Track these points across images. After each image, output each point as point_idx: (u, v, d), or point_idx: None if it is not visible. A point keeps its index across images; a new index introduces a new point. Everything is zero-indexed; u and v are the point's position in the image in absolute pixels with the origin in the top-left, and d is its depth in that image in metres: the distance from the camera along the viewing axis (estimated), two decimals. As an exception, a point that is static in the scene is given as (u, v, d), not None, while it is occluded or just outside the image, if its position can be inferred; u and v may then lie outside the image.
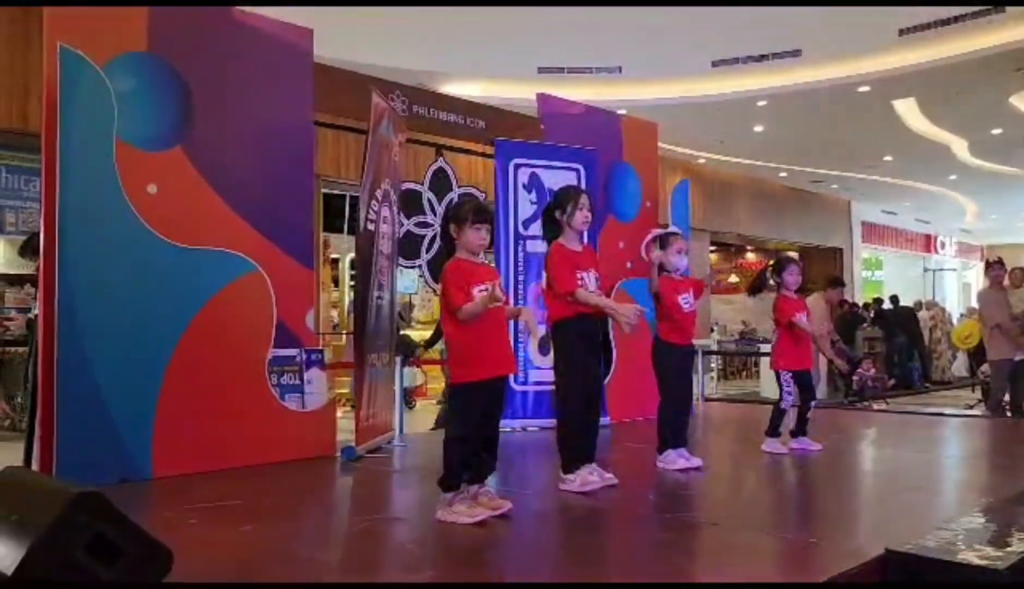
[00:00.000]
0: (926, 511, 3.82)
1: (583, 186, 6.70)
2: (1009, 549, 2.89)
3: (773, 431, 5.27)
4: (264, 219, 4.94)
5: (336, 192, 11.81)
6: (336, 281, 14.42)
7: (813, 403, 5.43)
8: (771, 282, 5.46)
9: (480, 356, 3.45)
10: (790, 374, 5.29)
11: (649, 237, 4.93)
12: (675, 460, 4.63)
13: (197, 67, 4.70)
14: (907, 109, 12.92)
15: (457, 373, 3.50)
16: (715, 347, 15.46)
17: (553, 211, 4.22)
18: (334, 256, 14.07)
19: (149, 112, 4.51)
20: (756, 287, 5.57)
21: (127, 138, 4.37)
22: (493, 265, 4.05)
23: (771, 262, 5.60)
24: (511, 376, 6.13)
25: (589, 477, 4.01)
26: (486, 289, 3.39)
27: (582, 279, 4.06)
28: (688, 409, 4.83)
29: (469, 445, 3.46)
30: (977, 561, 2.75)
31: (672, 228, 5.12)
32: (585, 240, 4.43)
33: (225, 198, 4.76)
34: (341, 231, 13.15)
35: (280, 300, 4.94)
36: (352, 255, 13.77)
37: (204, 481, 4.25)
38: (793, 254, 19.65)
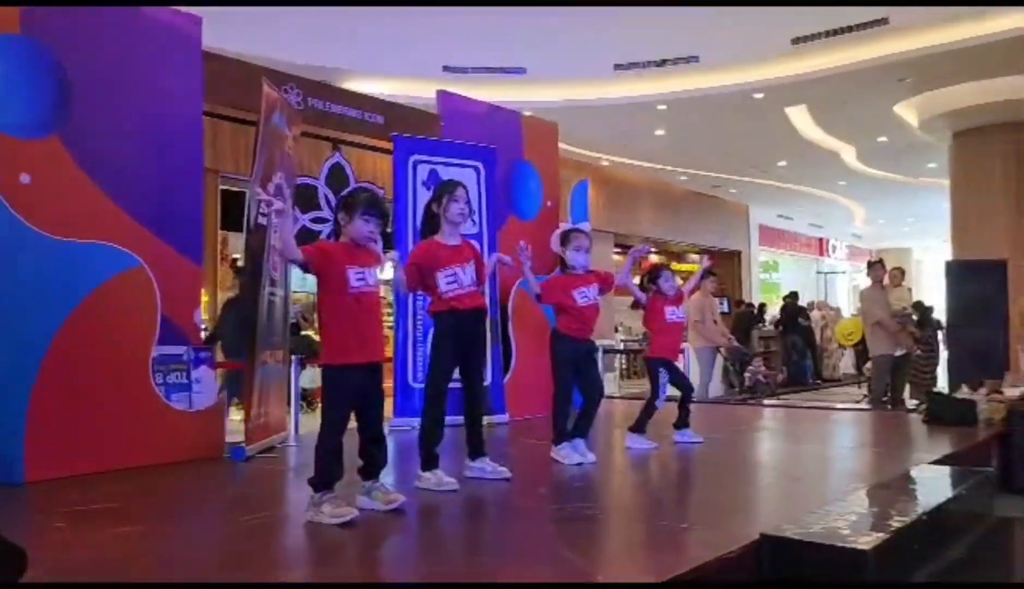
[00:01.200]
0: (802, 498, 3.96)
1: (482, 184, 6.72)
2: (875, 532, 3.03)
3: (640, 427, 5.28)
4: (148, 212, 4.77)
5: (236, 188, 11.51)
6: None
7: (692, 394, 5.57)
8: (650, 289, 5.59)
9: (353, 340, 3.41)
10: (664, 369, 5.40)
11: (556, 233, 5.02)
12: (570, 454, 4.67)
13: (76, 51, 4.51)
14: (799, 116, 13.42)
15: (327, 355, 3.45)
16: (619, 347, 15.70)
17: (430, 206, 4.22)
18: (235, 255, 13.70)
19: (22, 97, 4.29)
20: (635, 305, 5.74)
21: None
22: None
23: (645, 273, 5.78)
24: (406, 374, 6.24)
25: (445, 478, 3.96)
26: (361, 273, 3.41)
27: (454, 275, 4.07)
28: (598, 401, 4.86)
29: (337, 436, 3.39)
30: (845, 543, 2.87)
31: (580, 225, 5.18)
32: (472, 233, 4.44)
33: (106, 190, 4.58)
34: (241, 230, 12.84)
35: (165, 296, 4.76)
36: (252, 254, 13.48)
37: (82, 484, 4.07)
38: (691, 255, 20.22)
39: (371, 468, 3.54)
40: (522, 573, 2.70)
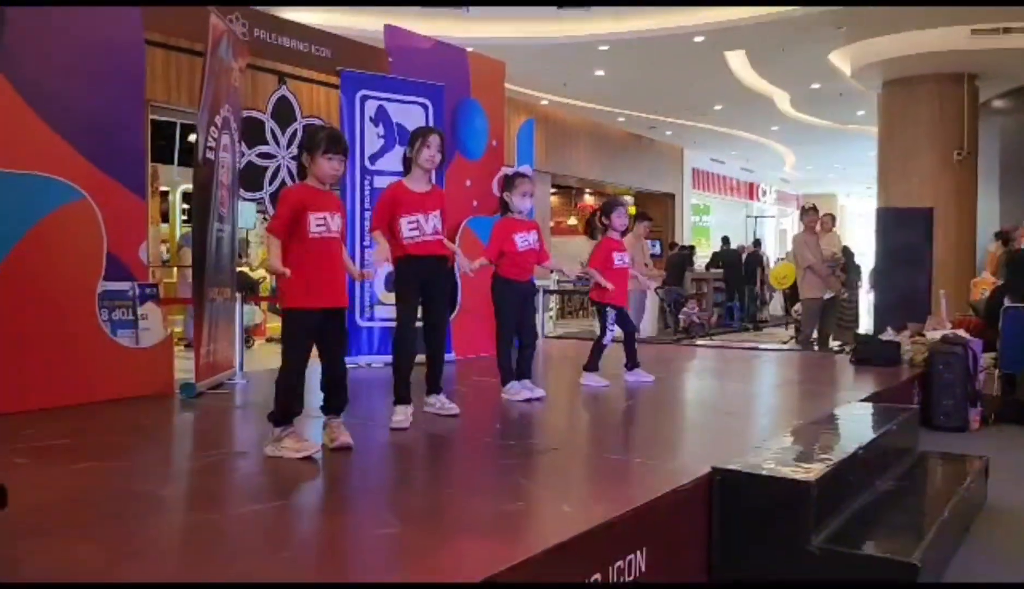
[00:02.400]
0: (745, 434, 4.17)
1: (430, 121, 6.67)
2: (817, 464, 3.22)
3: (592, 365, 5.44)
4: (91, 144, 4.61)
5: (166, 119, 11.14)
6: (165, 216, 13.65)
7: (635, 334, 5.72)
8: (601, 224, 5.66)
9: (311, 285, 3.42)
10: (613, 310, 5.52)
11: (499, 176, 5.01)
12: (519, 391, 4.79)
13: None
14: (738, 61, 13.56)
15: (287, 298, 3.47)
16: (554, 287, 15.88)
17: (406, 149, 4.23)
18: (163, 188, 13.31)
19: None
20: (591, 230, 5.79)
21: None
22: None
23: (599, 206, 5.81)
24: (354, 313, 6.25)
25: (408, 413, 4.05)
26: (322, 218, 3.41)
27: (416, 222, 4.09)
28: (533, 343, 4.98)
29: (296, 375, 3.44)
30: (792, 475, 3.05)
31: (522, 168, 5.21)
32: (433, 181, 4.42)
33: (47, 120, 4.40)
34: (171, 162, 12.46)
35: (110, 231, 4.65)
36: (184, 187, 13.12)
37: (31, 420, 4.01)
38: (625, 197, 20.41)
39: (328, 405, 3.59)
40: (488, 505, 2.80)
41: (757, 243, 18.79)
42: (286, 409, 3.42)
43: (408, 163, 4.21)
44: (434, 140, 4.15)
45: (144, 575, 2.13)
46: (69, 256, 4.48)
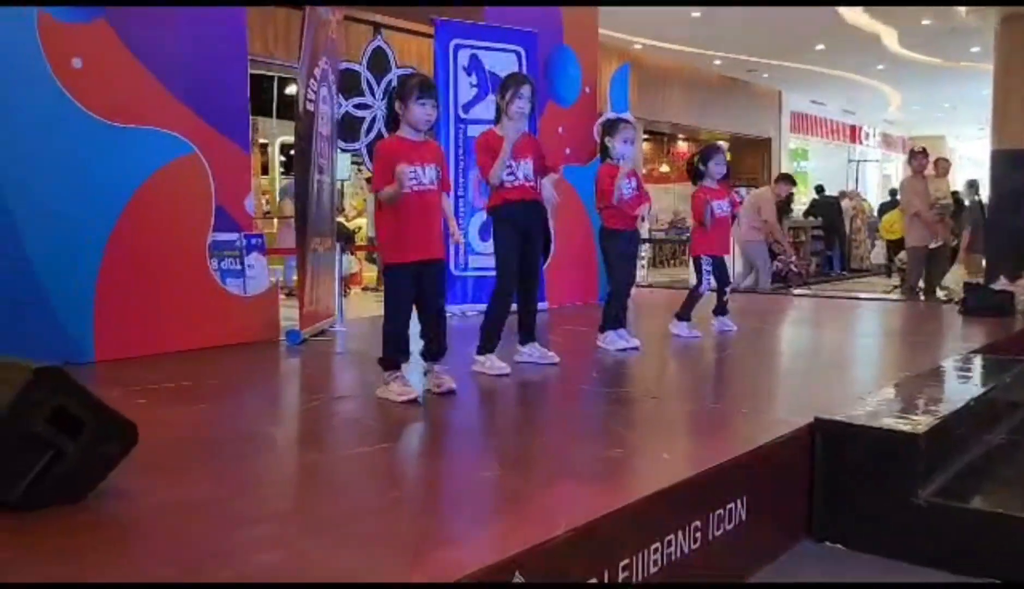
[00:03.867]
0: (849, 385, 4.08)
1: (524, 69, 6.62)
2: (925, 416, 3.13)
3: (685, 315, 5.32)
4: (199, 99, 4.75)
5: (264, 73, 11.38)
6: (265, 168, 14.03)
7: (728, 287, 5.59)
8: (698, 170, 5.52)
9: (405, 239, 3.46)
10: (708, 259, 5.40)
11: (600, 121, 4.96)
12: (615, 340, 4.78)
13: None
14: (842, -2, 12.95)
15: (385, 255, 3.54)
16: (646, 235, 15.69)
17: (498, 100, 4.21)
18: (263, 141, 13.67)
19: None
20: (692, 176, 5.63)
21: (48, 9, 4.11)
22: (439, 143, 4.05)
23: (697, 151, 5.66)
24: (449, 263, 6.33)
25: (498, 362, 4.07)
26: (414, 171, 3.41)
27: (511, 167, 4.09)
28: (628, 293, 4.95)
29: (400, 326, 3.52)
30: (900, 427, 2.98)
31: (624, 115, 5.13)
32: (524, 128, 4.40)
33: (157, 75, 4.55)
34: (270, 115, 12.76)
35: (218, 183, 4.82)
36: (283, 139, 13.44)
37: (149, 364, 4.23)
38: (721, 143, 19.88)
39: (428, 352, 3.66)
40: (587, 452, 2.83)
41: (842, 195, 17.84)
42: (391, 357, 3.52)
43: (499, 111, 4.20)
44: (527, 91, 4.12)
45: (260, 508, 2.25)
46: (181, 207, 4.67)
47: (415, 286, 3.53)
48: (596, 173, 4.89)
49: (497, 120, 4.21)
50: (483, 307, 4.40)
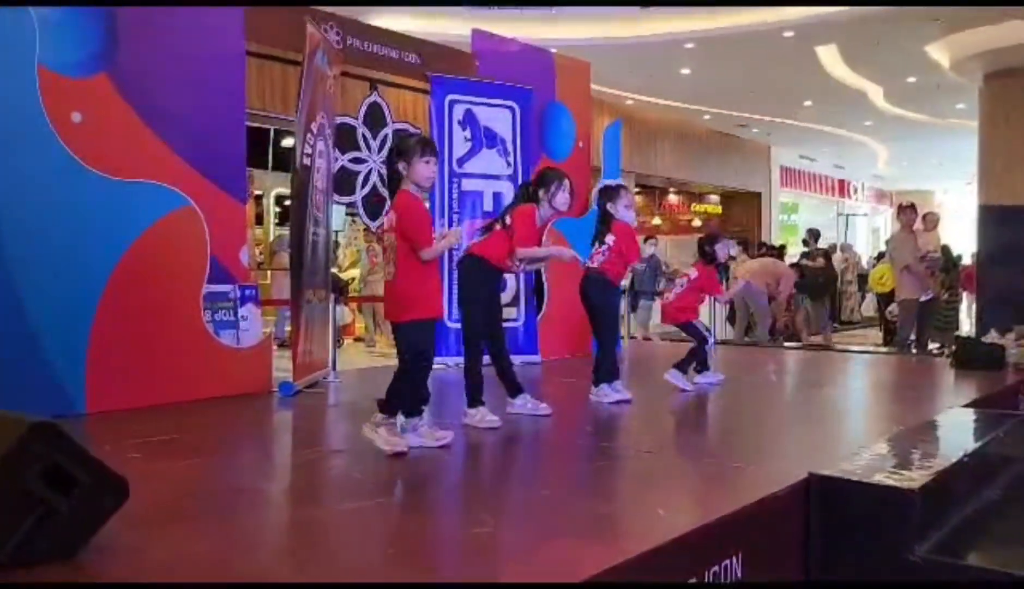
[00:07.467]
0: (842, 439, 4.07)
1: (518, 125, 6.72)
2: (920, 472, 3.13)
3: (683, 367, 5.35)
4: (196, 152, 4.81)
5: (260, 126, 11.50)
6: (259, 219, 14.08)
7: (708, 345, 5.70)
8: (705, 252, 5.64)
9: (434, 295, 3.60)
10: (698, 321, 5.56)
11: (599, 185, 5.10)
12: (608, 393, 4.79)
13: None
14: (829, 56, 13.19)
15: (416, 310, 3.49)
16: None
17: (534, 188, 4.40)
18: (257, 192, 13.74)
19: (73, 35, 4.30)
20: (704, 258, 5.69)
21: (49, 64, 4.18)
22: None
23: (704, 237, 5.79)
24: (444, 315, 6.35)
25: (489, 415, 4.07)
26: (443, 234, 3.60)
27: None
28: (618, 344, 4.99)
29: (425, 378, 3.57)
30: (894, 482, 2.97)
31: (617, 181, 5.27)
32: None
33: (155, 129, 4.61)
34: (266, 167, 12.87)
35: (213, 235, 4.85)
36: (277, 191, 13.52)
37: (140, 416, 4.21)
38: (711, 196, 20.11)
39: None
40: (582, 506, 2.82)
41: (827, 255, 17.14)
42: (396, 405, 3.51)
43: (533, 198, 4.35)
44: (568, 185, 4.41)
45: (257, 571, 2.22)
46: (177, 259, 4.69)
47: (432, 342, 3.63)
48: (620, 233, 4.95)
49: (530, 200, 4.34)
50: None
